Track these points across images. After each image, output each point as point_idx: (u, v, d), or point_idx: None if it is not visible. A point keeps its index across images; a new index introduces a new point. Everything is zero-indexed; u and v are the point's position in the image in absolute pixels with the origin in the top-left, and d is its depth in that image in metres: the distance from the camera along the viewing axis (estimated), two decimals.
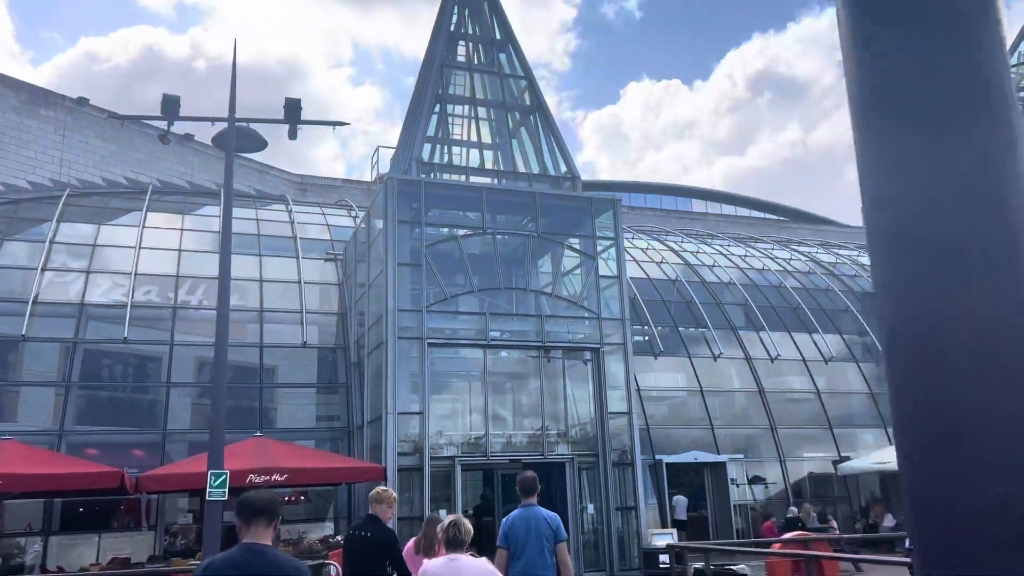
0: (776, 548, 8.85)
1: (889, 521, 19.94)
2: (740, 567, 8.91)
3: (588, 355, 18.25)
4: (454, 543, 5.17)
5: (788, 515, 19.60)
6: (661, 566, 8.61)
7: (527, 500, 6.41)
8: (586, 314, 18.30)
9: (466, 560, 5.09)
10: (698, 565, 8.97)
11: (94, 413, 18.17)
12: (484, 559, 5.34)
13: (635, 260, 25.52)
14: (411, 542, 7.33)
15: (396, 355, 16.19)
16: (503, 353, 19.67)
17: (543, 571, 6.10)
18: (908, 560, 9.65)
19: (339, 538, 12.76)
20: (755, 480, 21.76)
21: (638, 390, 18.42)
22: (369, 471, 14.28)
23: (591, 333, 18.18)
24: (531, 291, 18.46)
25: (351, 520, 17.70)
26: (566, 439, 17.88)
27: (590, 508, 17.20)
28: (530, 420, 18.20)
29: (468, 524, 5.31)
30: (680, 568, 8.35)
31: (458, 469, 16.29)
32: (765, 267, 28.29)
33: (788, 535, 9.57)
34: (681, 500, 20.56)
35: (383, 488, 6.57)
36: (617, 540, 16.99)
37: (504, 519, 6.50)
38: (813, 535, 10.31)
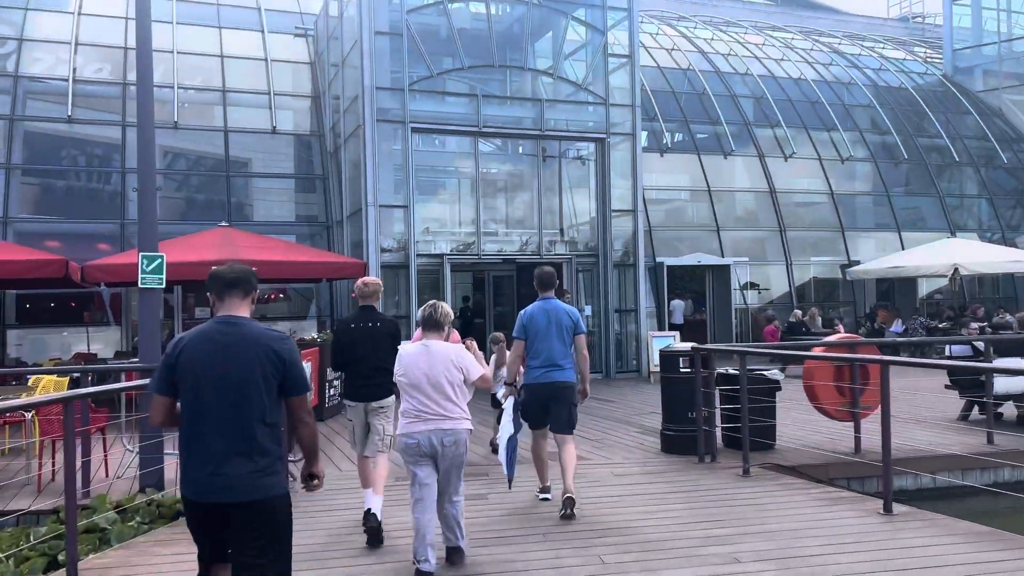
0: (818, 352, 7.56)
1: (897, 327, 19.16)
2: (772, 372, 7.65)
3: (591, 148, 16.39)
4: (430, 324, 4.84)
5: (791, 319, 18.74)
6: (682, 370, 7.28)
7: (545, 294, 6.22)
8: (591, 99, 16.20)
9: (438, 346, 4.77)
10: (723, 370, 7.69)
11: (45, 202, 16.46)
12: (460, 345, 5.01)
13: (644, 47, 22.85)
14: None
15: (375, 140, 14.28)
16: (497, 143, 17.78)
17: (564, 361, 6.04)
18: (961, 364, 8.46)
19: (315, 336, 11.58)
20: (747, 286, 20.69)
21: (642, 189, 16.76)
22: (349, 266, 12.90)
23: (597, 122, 16.20)
24: (529, 70, 16.22)
25: (335, 320, 16.64)
26: (564, 239, 16.46)
27: (588, 310, 16.13)
28: (526, 219, 16.67)
29: (447, 307, 4.94)
30: (706, 372, 7.06)
31: (447, 268, 14.96)
32: (784, 57, 25.69)
33: (832, 338, 8.26)
34: (679, 304, 19.61)
35: (372, 279, 6.10)
36: (615, 342, 16.10)
37: (522, 311, 6.24)
38: (861, 339, 9.05)
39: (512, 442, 6.05)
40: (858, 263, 20.80)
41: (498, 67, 15.66)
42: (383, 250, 14.28)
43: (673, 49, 24.25)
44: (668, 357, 8.11)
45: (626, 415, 10.76)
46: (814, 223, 22.19)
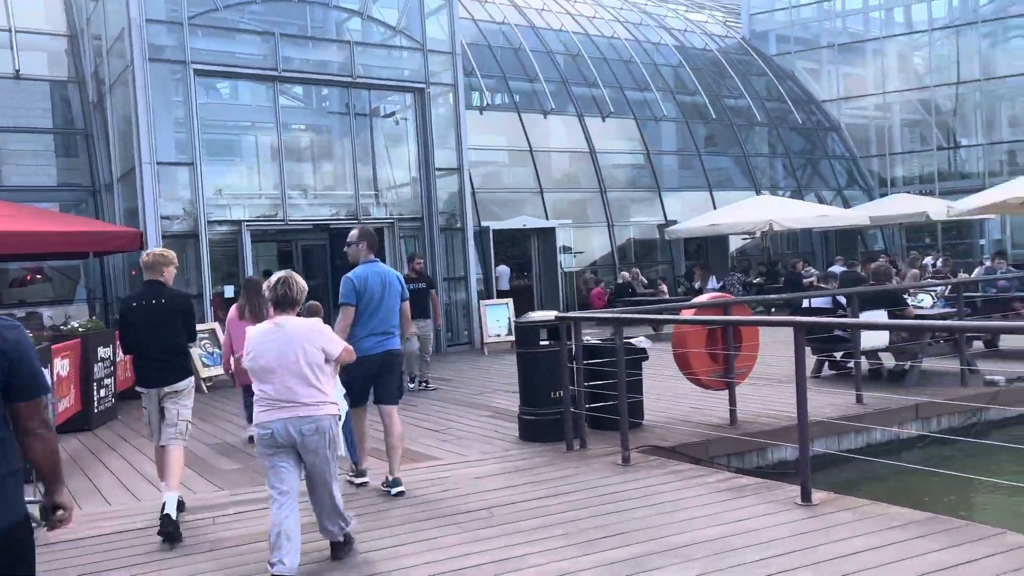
0: (690, 314, 6.66)
1: (713, 283, 19.38)
2: (639, 340, 6.65)
3: (408, 101, 14.79)
4: (285, 303, 4.29)
5: (619, 281, 18.41)
6: (542, 344, 6.06)
7: (371, 257, 5.79)
8: (407, 44, 14.56)
9: (294, 323, 4.26)
10: (589, 339, 6.58)
11: None
12: (316, 319, 4.54)
13: None
14: (233, 309, 7.37)
15: (148, 84, 11.80)
16: (303, 97, 15.68)
17: (394, 328, 5.76)
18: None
19: (76, 325, 9.24)
20: (563, 250, 20.13)
21: (467, 146, 15.44)
22: (120, 237, 10.55)
23: (414, 70, 14.59)
24: (336, 8, 14.26)
25: (108, 303, 13.95)
26: (383, 202, 14.81)
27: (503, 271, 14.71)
28: (339, 180, 14.80)
29: (302, 281, 4.37)
30: (569, 344, 5.90)
31: (246, 237, 12.85)
32: (596, 15, 25.29)
33: (703, 298, 7.41)
34: (504, 270, 18.67)
35: (159, 249, 5.57)
36: (444, 313, 14.75)
37: (349, 275, 5.65)
38: (733, 298, 8.32)
39: (350, 423, 5.80)
40: (675, 222, 20.88)
41: (299, 2, 13.59)
42: (164, 217, 11.92)
43: (486, 1, 23.00)
44: (526, 329, 6.88)
45: (469, 396, 9.48)
46: (632, 184, 22.07)
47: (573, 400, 6.46)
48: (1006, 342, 9.48)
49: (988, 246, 25.94)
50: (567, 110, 21.05)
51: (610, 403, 6.63)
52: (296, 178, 14.22)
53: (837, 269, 18.30)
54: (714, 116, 23.84)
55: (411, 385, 9.95)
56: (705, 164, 23.22)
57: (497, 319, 14.17)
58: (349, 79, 13.73)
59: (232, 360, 7.52)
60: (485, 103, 19.65)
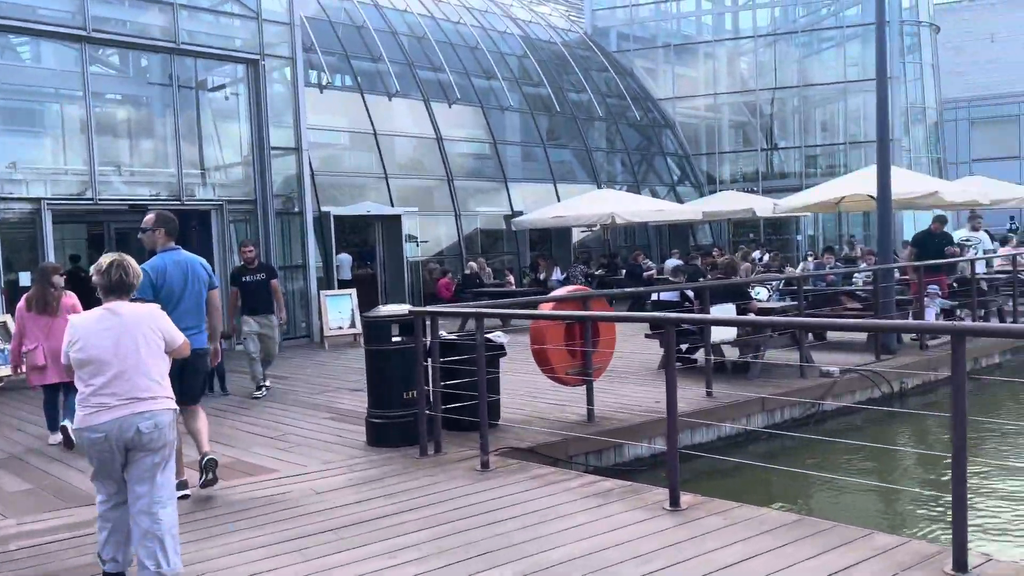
0: (548, 309, 6.37)
1: (557, 275, 19.49)
2: (496, 335, 6.29)
3: (240, 73, 13.61)
4: (120, 288, 3.82)
5: (466, 271, 18.06)
6: (395, 340, 5.55)
7: (170, 244, 5.41)
8: (239, 11, 13.36)
9: (130, 309, 3.83)
10: (444, 334, 6.14)
11: None
12: (153, 305, 4.14)
13: None
14: (23, 299, 6.92)
15: None
16: (117, 62, 14.03)
17: (199, 321, 5.37)
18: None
19: None
20: (410, 238, 19.60)
21: (306, 124, 14.45)
22: None
23: (247, 39, 13.42)
24: None
25: None
26: (211, 182, 13.56)
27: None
28: (160, 156, 13.36)
29: (136, 264, 3.94)
30: (425, 341, 5.46)
31: (47, 218, 11.29)
32: None
33: (562, 291, 7.14)
34: (345, 258, 17.82)
35: None
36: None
37: (146, 266, 5.07)
38: (591, 291, 8.09)
39: None
40: (520, 213, 20.81)
41: None
42: None
43: None
44: (377, 325, 6.30)
45: (309, 395, 8.73)
46: (479, 173, 21.79)
47: (428, 401, 5.97)
48: (834, 335, 10.00)
49: (804, 241, 28.03)
50: (412, 94, 20.39)
51: (468, 403, 6.23)
52: (110, 154, 12.67)
53: (672, 262, 18.98)
54: (558, 109, 24.02)
55: (257, 394, 8.74)
56: (550, 156, 23.36)
57: (339, 311, 13.38)
58: (172, 45, 12.39)
59: (24, 357, 6.55)
60: (326, 82, 18.61)
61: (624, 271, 18.19)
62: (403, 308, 6.40)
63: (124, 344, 3.68)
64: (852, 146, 27.81)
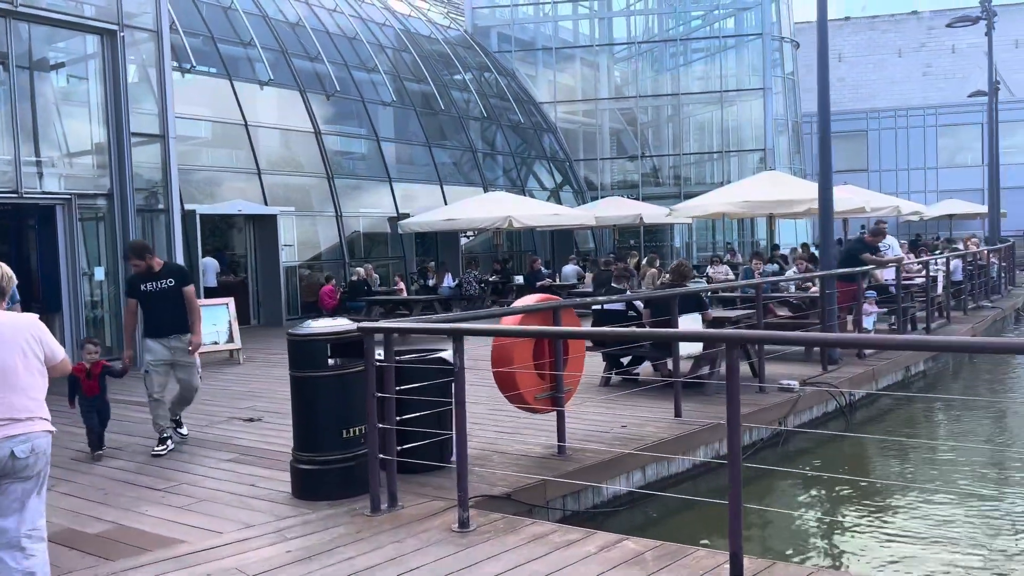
0: (514, 322, 5.32)
1: (449, 281, 18.37)
2: (448, 354, 5.16)
3: (92, 46, 11.57)
4: None
5: (353, 277, 16.58)
6: (330, 362, 4.29)
7: None
8: None
9: (8, 317, 3.42)
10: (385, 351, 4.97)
11: None
12: (32, 315, 3.56)
13: None
14: None
15: None
16: None
17: None
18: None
19: None
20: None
21: (173, 108, 12.52)
22: None
23: (103, 7, 11.41)
24: None
25: None
26: (57, 171, 11.42)
27: (99, 273, 11.53)
28: None
29: (7, 267, 3.54)
30: (365, 363, 4.27)
31: None
32: None
33: (529, 299, 6.03)
34: (211, 263, 15.89)
35: None
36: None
37: None
38: (566, 301, 7.01)
39: None
40: (406, 215, 19.51)
41: None
42: None
43: None
44: (308, 344, 4.97)
45: (197, 429, 7.13)
46: (360, 171, 20.30)
47: (381, 440, 4.72)
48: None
49: (682, 248, 28.37)
50: (288, 82, 18.63)
51: (423, 442, 5.05)
52: None
53: (571, 268, 18.34)
54: (442, 107, 22.91)
55: (159, 450, 6.27)
56: (436, 156, 22.19)
57: (214, 323, 11.58)
58: (8, 6, 10.25)
59: None
60: (190, 65, 16.55)
61: (520, 278, 17.30)
62: (340, 322, 5.09)
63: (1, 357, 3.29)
64: (727, 155, 28.46)
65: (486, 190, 22.58)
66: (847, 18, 42.81)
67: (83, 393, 6.27)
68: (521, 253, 24.01)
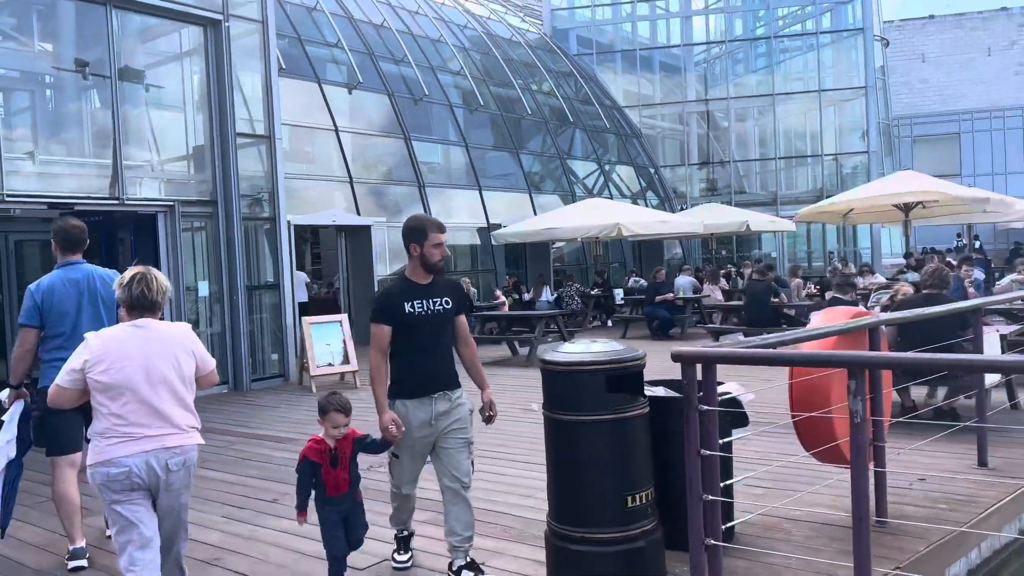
0: (826, 347, 3.93)
1: (547, 295, 17.05)
2: (730, 386, 3.77)
3: (195, 38, 10.56)
4: (141, 305, 3.37)
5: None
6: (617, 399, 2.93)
7: (70, 257, 4.59)
8: None
9: (162, 328, 3.40)
10: (652, 391, 3.57)
11: None
12: (185, 324, 3.59)
13: None
14: None
15: None
16: (9, 19, 10.66)
17: None
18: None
19: None
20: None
21: (281, 105, 11.45)
22: None
23: None
24: None
25: None
26: (157, 175, 10.39)
27: (203, 288, 10.45)
28: (88, 141, 10.09)
29: (164, 279, 3.46)
30: (685, 405, 2.82)
31: None
32: None
33: (830, 315, 4.60)
34: (301, 276, 14.86)
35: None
36: (247, 334, 10.64)
37: (32, 287, 4.44)
38: (889, 316, 5.55)
39: (13, 471, 4.23)
40: (498, 226, 18.26)
41: None
42: None
43: None
44: (575, 376, 3.64)
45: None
46: (450, 179, 19.14)
47: (706, 514, 3.35)
48: None
49: (781, 258, 26.65)
50: (376, 86, 17.58)
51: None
52: (20, 134, 9.36)
53: (685, 280, 16.74)
54: (528, 112, 21.70)
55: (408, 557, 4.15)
56: (523, 162, 20.96)
57: (327, 342, 10.43)
58: None
59: None
60: (279, 67, 15.52)
61: (643, 292, 15.78)
62: (610, 346, 3.76)
63: (154, 366, 3.28)
64: (824, 159, 26.73)
65: (574, 197, 21.29)
66: (931, 16, 40.73)
67: (324, 492, 3.74)
68: (608, 265, 22.60)
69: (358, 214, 15.73)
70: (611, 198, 22.38)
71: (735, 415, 4.13)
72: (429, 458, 4.00)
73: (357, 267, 15.86)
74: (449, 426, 3.91)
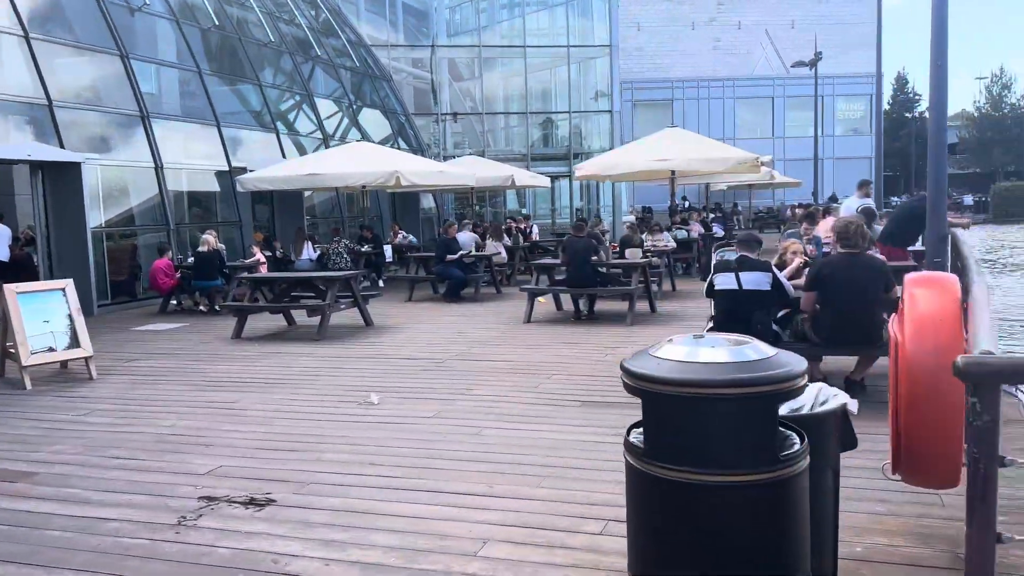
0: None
1: (309, 252, 14.79)
2: (837, 395, 2.54)
3: None
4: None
5: (201, 248, 12.46)
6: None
7: None
8: None
9: None
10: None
11: None
12: None
13: None
14: None
15: None
16: None
17: None
18: None
19: None
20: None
21: None
22: None
23: None
24: None
25: None
26: None
27: None
28: None
29: None
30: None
31: None
32: None
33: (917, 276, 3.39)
34: (5, 230, 11.18)
35: None
36: None
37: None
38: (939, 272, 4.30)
39: None
40: (245, 169, 15.47)
41: None
42: None
43: None
44: (707, 404, 2.09)
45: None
46: (183, 111, 15.77)
47: None
48: None
49: (533, 213, 26.45)
50: None
51: None
52: None
53: (467, 236, 15.34)
54: (272, 39, 18.75)
55: None
56: (267, 97, 18.05)
57: (45, 319, 7.49)
58: None
59: None
60: None
61: (437, 245, 13.97)
62: (750, 345, 2.25)
63: None
64: (572, 115, 26.95)
65: (327, 142, 18.98)
66: None
67: None
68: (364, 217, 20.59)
69: (62, 147, 12.14)
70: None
71: (845, 433, 2.84)
72: None
73: (61, 216, 12.30)
74: None
